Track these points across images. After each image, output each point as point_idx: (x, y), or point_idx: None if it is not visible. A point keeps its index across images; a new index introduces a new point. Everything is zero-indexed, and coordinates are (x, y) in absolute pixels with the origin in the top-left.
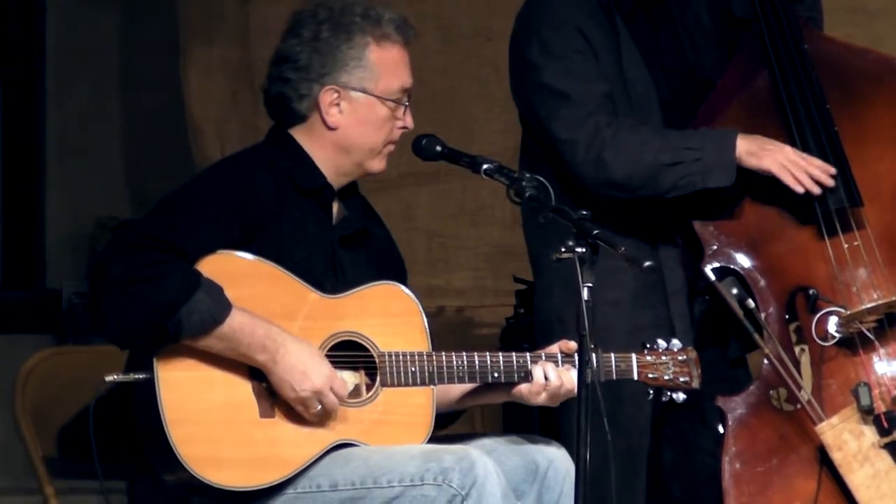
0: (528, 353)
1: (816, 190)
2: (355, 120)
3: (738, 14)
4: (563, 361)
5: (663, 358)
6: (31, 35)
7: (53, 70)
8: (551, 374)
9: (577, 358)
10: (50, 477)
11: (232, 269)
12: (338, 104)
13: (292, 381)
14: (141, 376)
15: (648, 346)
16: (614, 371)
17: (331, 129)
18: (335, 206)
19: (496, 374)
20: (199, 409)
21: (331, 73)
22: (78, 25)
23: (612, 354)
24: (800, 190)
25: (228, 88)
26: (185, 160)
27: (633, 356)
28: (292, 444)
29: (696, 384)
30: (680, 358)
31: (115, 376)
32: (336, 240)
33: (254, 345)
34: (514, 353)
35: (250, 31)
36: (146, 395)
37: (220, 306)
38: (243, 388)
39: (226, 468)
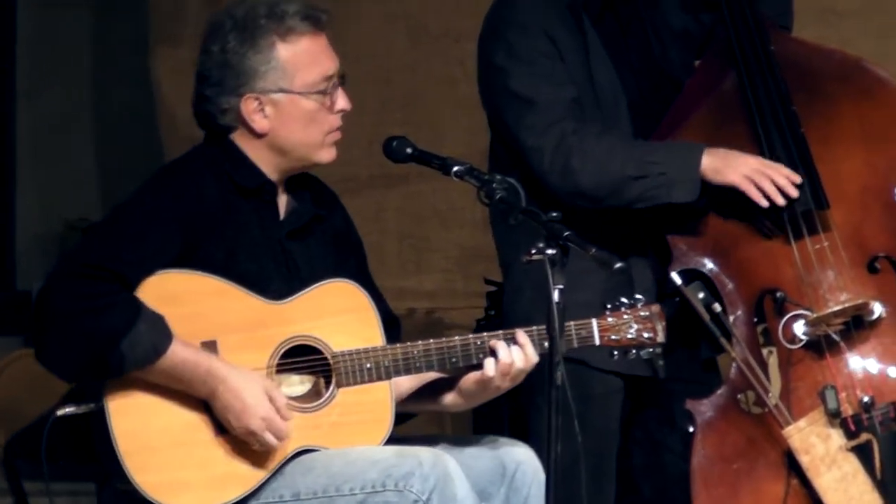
0: (484, 334)
1: (781, 200)
2: (282, 121)
3: (706, 19)
4: (507, 341)
5: (625, 317)
6: (1, 36)
7: (24, 71)
8: (501, 352)
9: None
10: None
11: (174, 289)
12: (261, 110)
13: (231, 418)
14: (92, 406)
15: (609, 306)
16: (575, 339)
17: (261, 135)
18: (282, 201)
19: (454, 360)
20: (152, 436)
21: (246, 83)
22: (49, 26)
23: (572, 323)
24: (764, 204)
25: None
26: (156, 161)
27: (594, 321)
28: (250, 458)
29: (660, 338)
30: (642, 314)
31: (66, 409)
32: (284, 236)
33: (195, 380)
34: (469, 335)
35: None
36: (99, 424)
37: (162, 337)
38: (196, 409)
39: (185, 491)
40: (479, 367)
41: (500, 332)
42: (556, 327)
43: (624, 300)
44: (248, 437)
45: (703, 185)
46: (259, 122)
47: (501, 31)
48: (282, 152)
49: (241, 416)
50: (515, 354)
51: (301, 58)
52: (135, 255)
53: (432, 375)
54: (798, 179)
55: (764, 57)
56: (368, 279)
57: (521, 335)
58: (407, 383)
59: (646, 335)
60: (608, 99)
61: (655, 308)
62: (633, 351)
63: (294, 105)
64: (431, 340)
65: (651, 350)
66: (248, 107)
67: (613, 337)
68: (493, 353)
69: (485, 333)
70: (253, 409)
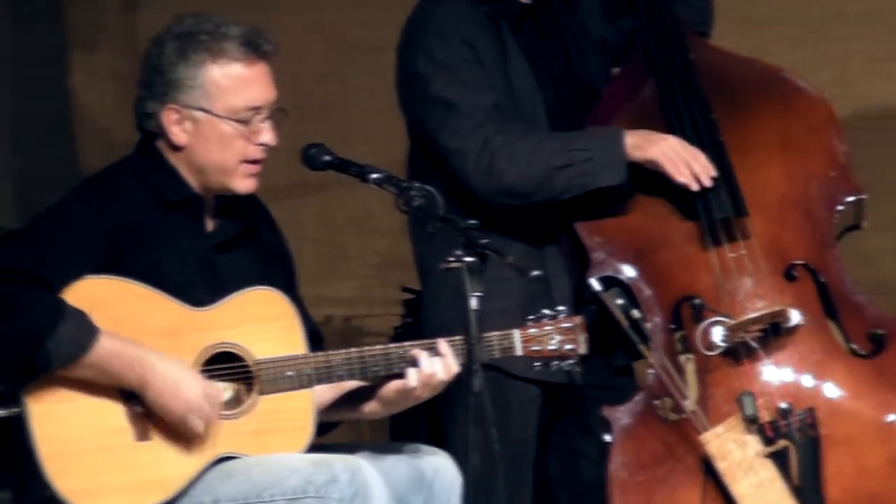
0: (406, 343)
1: (695, 185)
2: (199, 139)
3: (625, 26)
4: (429, 351)
5: (547, 328)
6: None
7: None
8: (423, 363)
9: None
10: None
11: (98, 294)
12: (181, 123)
13: (165, 402)
14: (14, 410)
15: (532, 318)
16: (497, 349)
17: (178, 148)
18: (210, 214)
19: (376, 369)
20: (72, 440)
21: (170, 93)
22: None
23: (494, 333)
24: (680, 180)
25: (115, 96)
26: (72, 169)
27: (516, 332)
28: (172, 464)
29: (582, 350)
30: (564, 325)
31: None
32: (212, 248)
33: (124, 368)
34: (391, 345)
35: (137, 38)
36: (19, 428)
37: (87, 333)
38: (117, 414)
39: (105, 497)
40: (401, 376)
41: (423, 342)
42: (474, 335)
43: (546, 311)
44: (183, 420)
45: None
46: (178, 135)
47: (421, 39)
48: (199, 170)
49: (175, 398)
50: (437, 365)
51: (228, 82)
52: (56, 260)
53: (353, 384)
54: (713, 173)
55: (683, 65)
56: (295, 294)
57: (443, 346)
58: (328, 393)
59: (567, 347)
60: (527, 106)
61: (578, 320)
62: (555, 362)
63: (212, 126)
64: (353, 349)
65: (573, 362)
66: (169, 117)
67: (535, 348)
68: (414, 363)
69: (407, 343)
70: (189, 388)
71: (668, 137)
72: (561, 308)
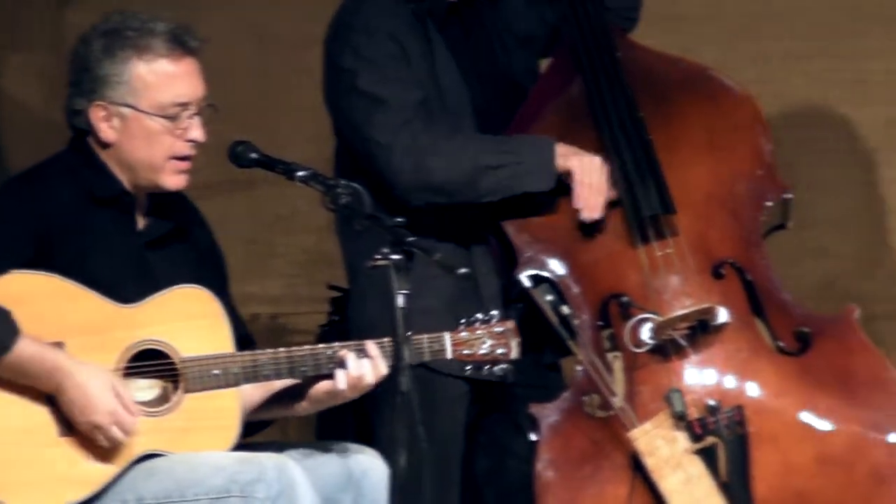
0: (335, 344)
1: (586, 215)
2: (127, 136)
3: (551, 20)
4: (358, 352)
5: (478, 332)
6: None
7: None
8: (351, 364)
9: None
10: None
11: (23, 290)
12: (108, 120)
13: (77, 412)
14: None
15: (464, 321)
16: (427, 352)
17: (106, 144)
18: (142, 212)
19: (304, 369)
20: None
21: (97, 90)
22: None
23: (425, 336)
24: (578, 203)
25: (43, 95)
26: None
27: (447, 335)
28: (95, 460)
29: (514, 354)
30: (496, 329)
31: None
32: (143, 245)
33: (42, 375)
34: (319, 346)
35: (65, 37)
36: None
37: (8, 332)
38: (40, 409)
39: (23, 492)
40: (330, 376)
41: (351, 343)
42: (401, 332)
43: (479, 315)
44: (94, 431)
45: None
46: (105, 132)
47: (347, 35)
48: (128, 167)
49: (85, 409)
50: (365, 367)
51: (154, 78)
52: None
53: (282, 383)
54: (601, 215)
55: (610, 63)
56: (227, 293)
57: (371, 347)
58: (258, 392)
59: (499, 351)
60: (454, 104)
61: (510, 324)
62: (487, 366)
63: (138, 123)
64: (282, 349)
65: (504, 366)
66: (97, 114)
67: (466, 352)
68: (342, 364)
69: (336, 344)
70: (99, 403)
71: (595, 158)
72: (494, 312)
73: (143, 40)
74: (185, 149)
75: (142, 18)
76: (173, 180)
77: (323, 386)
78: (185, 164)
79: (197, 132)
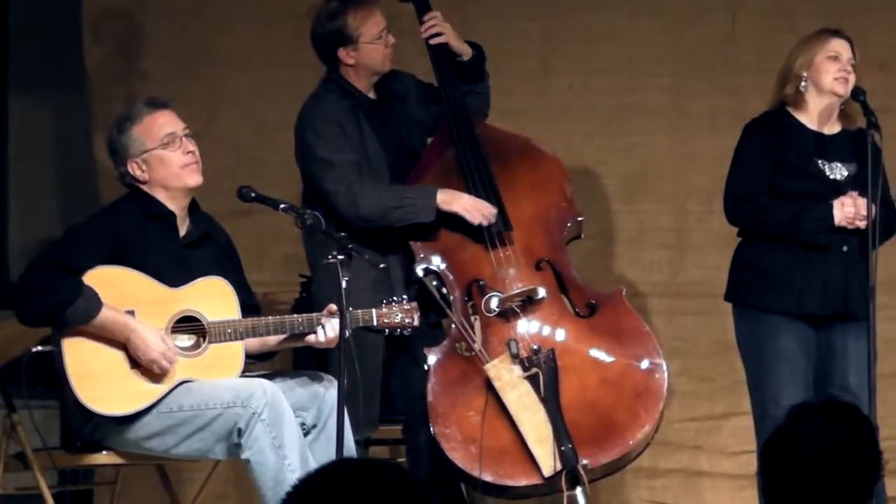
0: (314, 314)
1: (485, 223)
2: (153, 168)
3: (436, 112)
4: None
5: (394, 308)
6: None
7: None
8: (328, 327)
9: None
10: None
11: (109, 277)
12: (140, 168)
13: (140, 353)
14: (55, 349)
15: (385, 301)
16: (361, 321)
17: (145, 181)
18: (183, 224)
19: (301, 328)
20: (91, 366)
21: (126, 157)
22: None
23: (360, 311)
24: (477, 223)
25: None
26: (95, 195)
27: (374, 311)
28: (152, 382)
29: (416, 323)
30: (405, 307)
31: (37, 348)
32: (183, 246)
33: (117, 330)
34: (303, 315)
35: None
36: (58, 359)
37: (95, 306)
38: (118, 352)
39: (110, 402)
40: (302, 334)
41: (324, 313)
42: (344, 304)
43: (395, 298)
44: (151, 364)
45: (437, 211)
46: (142, 175)
47: (310, 121)
48: (164, 187)
49: (146, 351)
50: (334, 329)
51: (146, 128)
52: (82, 256)
53: (274, 339)
54: (494, 211)
55: (471, 138)
56: (243, 279)
57: (333, 318)
58: (256, 342)
59: (406, 320)
60: (376, 163)
61: (414, 304)
62: (399, 330)
63: (153, 157)
64: (270, 317)
65: (409, 330)
66: (132, 169)
67: (386, 321)
68: (322, 327)
69: (314, 314)
70: (154, 347)
71: (464, 196)
72: (405, 297)
73: (133, 112)
74: (189, 157)
75: (133, 105)
76: (192, 178)
77: (308, 339)
78: (193, 164)
79: (190, 145)
